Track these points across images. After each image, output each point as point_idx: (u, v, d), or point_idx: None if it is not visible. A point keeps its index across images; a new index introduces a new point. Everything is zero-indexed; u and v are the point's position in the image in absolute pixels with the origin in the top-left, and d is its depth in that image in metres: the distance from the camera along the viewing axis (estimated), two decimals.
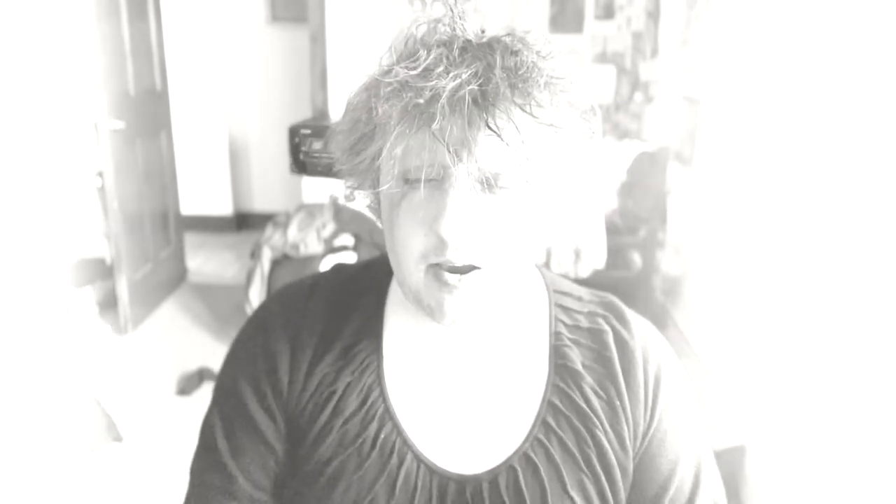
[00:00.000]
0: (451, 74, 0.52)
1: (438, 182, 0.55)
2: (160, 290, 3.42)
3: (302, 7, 3.53)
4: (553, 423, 0.65)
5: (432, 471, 0.64)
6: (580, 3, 3.30)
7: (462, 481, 0.64)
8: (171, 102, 3.57)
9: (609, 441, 0.65)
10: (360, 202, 0.67)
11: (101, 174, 2.96)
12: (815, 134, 1.77)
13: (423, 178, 0.55)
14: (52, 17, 2.87)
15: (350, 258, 2.77)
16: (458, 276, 0.57)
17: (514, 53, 0.55)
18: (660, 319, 2.86)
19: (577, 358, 0.67)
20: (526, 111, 0.54)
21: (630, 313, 0.72)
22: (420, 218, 0.56)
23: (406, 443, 0.65)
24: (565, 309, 0.71)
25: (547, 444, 0.64)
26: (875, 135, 1.51)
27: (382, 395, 0.66)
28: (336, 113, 0.63)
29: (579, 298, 0.73)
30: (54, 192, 2.99)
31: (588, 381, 0.66)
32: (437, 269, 0.57)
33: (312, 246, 2.82)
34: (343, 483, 0.64)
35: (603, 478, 0.64)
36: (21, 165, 2.68)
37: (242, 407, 0.68)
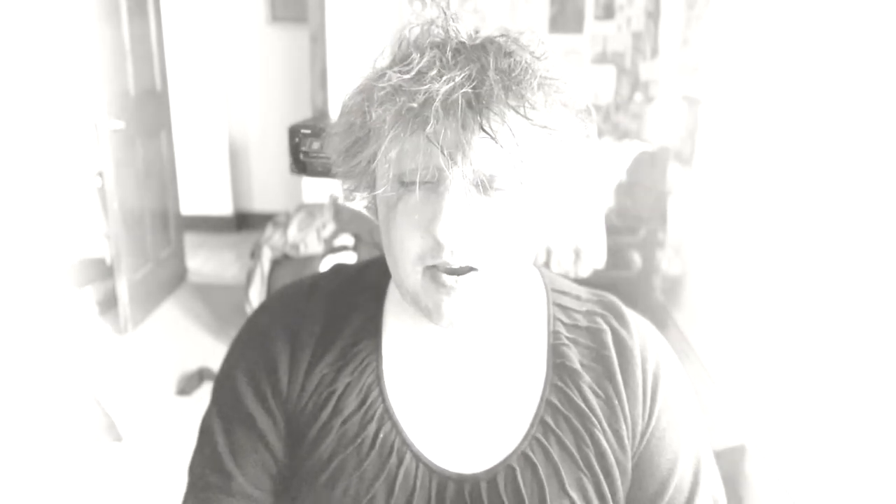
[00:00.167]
0: (444, 78, 0.52)
1: (434, 185, 0.56)
2: (160, 290, 3.42)
3: (302, 7, 3.53)
4: (551, 423, 0.65)
5: (431, 470, 0.64)
6: (580, 3, 3.30)
7: (461, 480, 0.64)
8: (171, 102, 3.57)
9: (607, 440, 0.65)
10: (359, 202, 0.67)
11: (101, 174, 2.96)
12: (816, 134, 1.78)
13: (418, 181, 0.55)
14: (53, 18, 2.87)
15: (350, 258, 2.77)
16: (454, 277, 0.57)
17: (508, 55, 0.55)
18: (660, 319, 2.86)
19: (575, 357, 0.67)
20: (520, 113, 0.54)
21: (629, 312, 0.72)
22: (416, 221, 0.56)
23: (405, 442, 0.65)
24: (564, 308, 0.71)
25: (545, 443, 0.64)
26: (875, 135, 1.51)
27: (381, 394, 0.66)
28: (336, 113, 0.63)
29: (578, 297, 0.73)
30: (54, 192, 2.99)
31: (586, 380, 0.66)
32: (434, 271, 0.57)
33: (312, 246, 2.82)
34: (342, 482, 0.64)
35: (601, 477, 0.64)
36: (21, 165, 2.68)
37: (241, 406, 0.68)
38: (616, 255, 2.81)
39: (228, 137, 4.52)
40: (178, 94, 3.93)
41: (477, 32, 0.58)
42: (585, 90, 0.60)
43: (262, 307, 0.74)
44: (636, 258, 2.90)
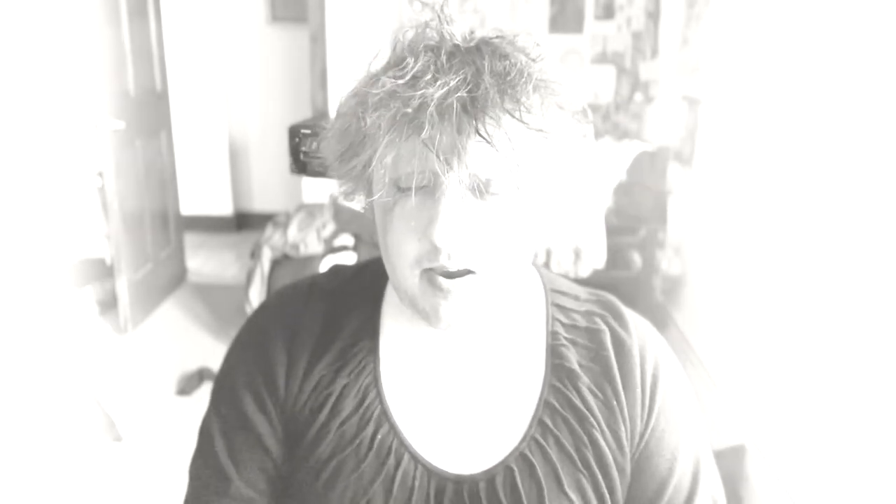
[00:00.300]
0: (438, 82, 0.52)
1: (430, 189, 0.55)
2: (160, 290, 3.42)
3: (302, 7, 3.54)
4: (550, 423, 0.65)
5: (429, 471, 0.64)
6: (580, 3, 3.30)
7: (459, 481, 0.64)
8: (171, 102, 3.57)
9: (606, 440, 0.65)
10: (358, 203, 0.67)
11: (101, 174, 2.96)
12: (816, 134, 1.77)
13: (414, 185, 0.55)
14: (53, 18, 2.87)
15: (350, 258, 2.77)
16: (451, 281, 0.57)
17: (504, 57, 0.55)
18: (660, 319, 2.86)
19: (573, 357, 0.67)
20: (515, 117, 0.54)
21: (627, 312, 0.72)
22: (413, 225, 0.56)
23: (403, 443, 0.65)
24: (562, 308, 0.71)
25: (544, 443, 0.64)
26: (875, 134, 1.51)
27: (379, 396, 0.66)
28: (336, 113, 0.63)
29: (577, 298, 0.73)
30: (55, 192, 2.99)
31: (585, 380, 0.66)
32: (431, 274, 0.57)
33: (312, 246, 2.82)
34: (341, 484, 0.64)
35: (600, 477, 0.64)
36: (22, 166, 2.68)
37: (240, 409, 0.68)
38: (616, 255, 2.81)
39: (228, 137, 4.52)
40: (178, 94, 3.93)
41: (472, 33, 0.58)
42: (582, 91, 0.59)
43: (260, 309, 0.74)
44: (636, 258, 2.90)
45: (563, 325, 0.69)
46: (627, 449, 0.66)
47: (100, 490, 2.05)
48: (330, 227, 2.86)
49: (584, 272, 2.67)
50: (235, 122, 4.56)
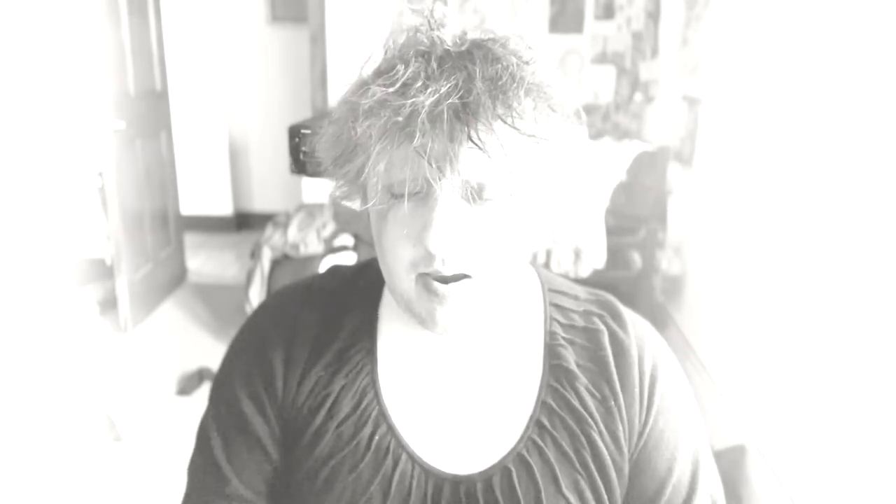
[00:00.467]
0: (429, 89, 0.52)
1: (423, 195, 0.55)
2: (160, 290, 3.42)
3: (302, 7, 3.54)
4: (547, 424, 0.65)
5: (427, 472, 0.64)
6: (580, 3, 3.30)
7: (456, 482, 0.64)
8: (171, 102, 3.57)
9: (604, 441, 0.64)
10: (356, 204, 0.67)
11: (101, 174, 2.96)
12: (816, 134, 1.77)
13: (406, 192, 0.55)
14: (53, 18, 2.87)
15: (350, 258, 2.77)
16: (447, 286, 0.57)
17: (495, 60, 0.54)
18: (660, 319, 2.86)
19: (571, 358, 0.67)
20: (508, 123, 0.53)
21: (626, 312, 0.72)
22: (407, 231, 0.56)
23: (401, 444, 0.65)
24: (561, 308, 0.71)
25: (541, 444, 0.64)
26: (875, 134, 1.51)
27: (377, 397, 0.66)
28: None
29: (575, 297, 0.73)
30: (55, 192, 2.99)
31: (582, 380, 0.66)
32: (426, 279, 0.57)
33: (312, 246, 2.82)
34: (339, 485, 0.64)
35: (598, 478, 0.64)
36: (22, 166, 2.68)
37: (238, 411, 0.68)
38: (616, 255, 2.81)
39: (228, 137, 4.52)
40: (178, 94, 3.93)
41: (465, 35, 0.57)
42: (577, 92, 0.59)
43: (259, 310, 0.74)
44: (636, 258, 2.90)
45: (561, 325, 0.69)
46: (626, 449, 0.65)
47: (100, 490, 2.05)
48: (330, 227, 2.86)
49: (584, 272, 2.67)
50: (235, 122, 4.56)
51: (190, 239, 4.07)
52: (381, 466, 0.64)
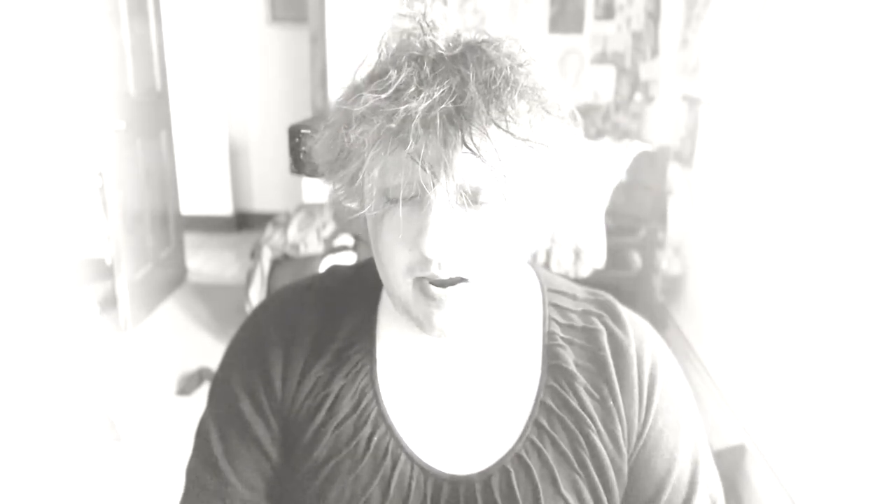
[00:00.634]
0: (422, 94, 0.51)
1: (418, 200, 0.55)
2: (160, 290, 3.42)
3: (302, 7, 3.54)
4: (546, 424, 0.65)
5: (426, 472, 0.64)
6: (580, 3, 3.30)
7: (455, 482, 0.64)
8: (171, 103, 3.57)
9: (603, 441, 0.64)
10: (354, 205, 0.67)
11: (101, 174, 2.97)
12: (816, 133, 1.77)
13: (401, 197, 0.55)
14: (53, 18, 2.87)
15: (350, 258, 2.77)
16: (444, 289, 0.57)
17: (489, 63, 0.54)
18: (660, 319, 2.86)
19: (570, 358, 0.67)
20: (502, 127, 0.53)
21: (625, 312, 0.72)
22: (402, 236, 0.56)
23: (399, 444, 0.65)
24: (559, 308, 0.71)
25: (540, 444, 0.64)
26: (876, 134, 1.51)
27: (376, 397, 0.66)
28: None
29: (574, 297, 0.73)
30: (55, 192, 2.99)
31: (581, 381, 0.66)
32: (423, 283, 0.57)
33: (312, 246, 2.82)
34: (338, 485, 0.64)
35: (596, 478, 0.64)
36: (22, 166, 2.68)
37: (237, 411, 0.68)
38: (616, 255, 2.81)
39: (228, 137, 4.52)
40: (178, 94, 3.93)
41: (458, 37, 0.57)
42: (574, 94, 0.59)
43: (258, 310, 0.74)
44: (636, 258, 2.89)
45: (559, 325, 0.69)
46: (625, 449, 0.65)
47: (100, 490, 2.05)
48: (330, 227, 2.86)
49: (584, 272, 2.67)
50: (235, 122, 4.56)
51: (190, 239, 4.07)
52: (380, 467, 0.64)
